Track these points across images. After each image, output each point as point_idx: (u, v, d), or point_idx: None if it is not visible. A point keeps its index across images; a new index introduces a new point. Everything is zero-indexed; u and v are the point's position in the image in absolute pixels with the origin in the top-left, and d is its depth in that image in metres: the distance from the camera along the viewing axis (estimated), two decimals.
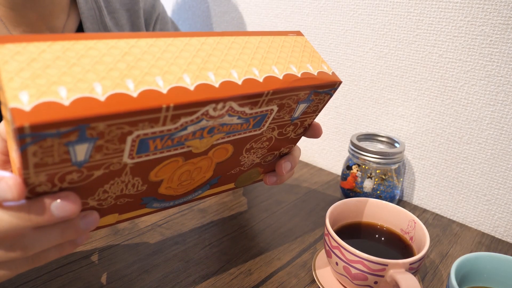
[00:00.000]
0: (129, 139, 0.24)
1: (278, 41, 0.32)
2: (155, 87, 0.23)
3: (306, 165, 0.69)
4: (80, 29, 0.52)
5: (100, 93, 0.21)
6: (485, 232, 0.53)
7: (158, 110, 0.23)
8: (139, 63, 0.24)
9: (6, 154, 0.28)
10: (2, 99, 0.21)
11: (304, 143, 0.71)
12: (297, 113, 0.33)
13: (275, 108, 0.30)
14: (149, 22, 0.61)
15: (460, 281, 0.33)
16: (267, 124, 0.32)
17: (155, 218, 0.50)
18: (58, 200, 0.23)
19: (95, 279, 0.39)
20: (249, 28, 0.72)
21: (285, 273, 0.41)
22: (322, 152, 0.69)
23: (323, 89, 0.32)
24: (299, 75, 0.30)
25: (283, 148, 0.38)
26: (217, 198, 0.55)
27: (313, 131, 0.37)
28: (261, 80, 0.28)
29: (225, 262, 0.42)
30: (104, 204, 0.29)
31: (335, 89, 0.33)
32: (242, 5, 0.72)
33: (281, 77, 0.29)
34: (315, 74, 0.31)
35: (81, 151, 0.22)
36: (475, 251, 0.46)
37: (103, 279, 0.39)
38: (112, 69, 0.22)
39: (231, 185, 0.41)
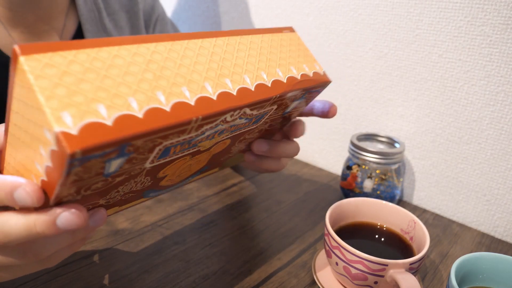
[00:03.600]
0: (157, 149, 0.25)
1: (277, 40, 0.34)
2: (184, 99, 0.24)
3: (306, 165, 0.69)
4: (79, 30, 0.52)
5: (137, 109, 0.21)
6: (485, 232, 0.53)
7: (188, 122, 0.24)
8: (164, 72, 0.24)
9: None
10: (29, 115, 0.20)
11: (304, 143, 0.71)
12: (289, 109, 0.36)
13: (275, 107, 0.32)
14: (149, 24, 0.61)
15: (460, 281, 0.33)
16: (263, 120, 0.34)
17: (155, 218, 0.50)
18: (64, 214, 0.23)
19: (95, 279, 0.39)
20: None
21: (285, 273, 0.41)
22: (322, 152, 0.69)
23: (315, 89, 0.34)
24: (298, 77, 0.32)
25: (267, 134, 0.42)
26: (217, 198, 0.55)
27: (292, 130, 0.42)
28: (269, 84, 0.30)
29: (225, 262, 0.42)
30: (111, 201, 0.30)
31: (324, 88, 0.36)
32: (242, 5, 0.72)
33: (285, 80, 0.31)
34: (311, 75, 0.34)
35: (115, 165, 0.23)
36: (475, 251, 0.46)
37: (103, 279, 0.39)
38: (141, 80, 0.23)
39: (216, 169, 0.44)
